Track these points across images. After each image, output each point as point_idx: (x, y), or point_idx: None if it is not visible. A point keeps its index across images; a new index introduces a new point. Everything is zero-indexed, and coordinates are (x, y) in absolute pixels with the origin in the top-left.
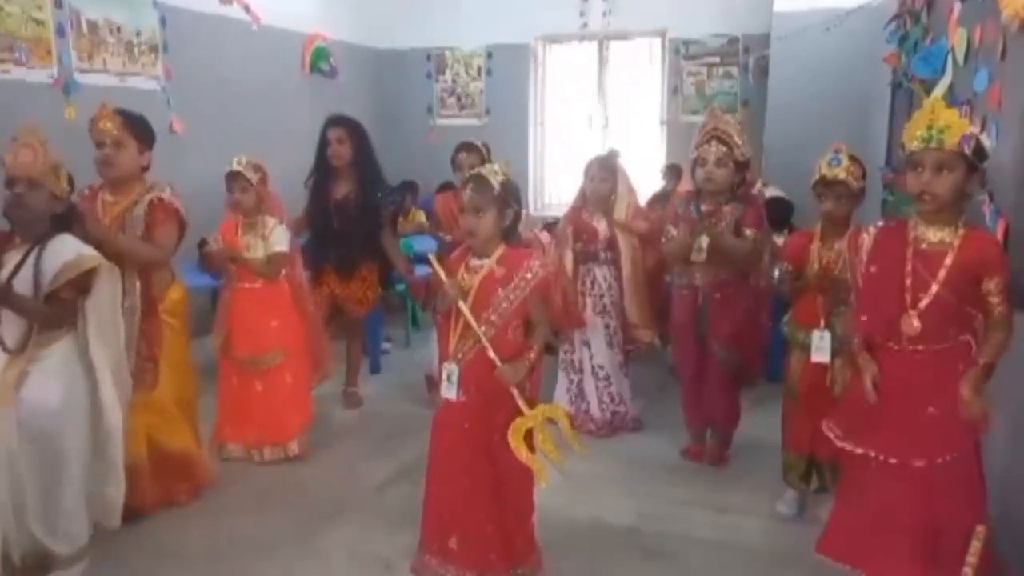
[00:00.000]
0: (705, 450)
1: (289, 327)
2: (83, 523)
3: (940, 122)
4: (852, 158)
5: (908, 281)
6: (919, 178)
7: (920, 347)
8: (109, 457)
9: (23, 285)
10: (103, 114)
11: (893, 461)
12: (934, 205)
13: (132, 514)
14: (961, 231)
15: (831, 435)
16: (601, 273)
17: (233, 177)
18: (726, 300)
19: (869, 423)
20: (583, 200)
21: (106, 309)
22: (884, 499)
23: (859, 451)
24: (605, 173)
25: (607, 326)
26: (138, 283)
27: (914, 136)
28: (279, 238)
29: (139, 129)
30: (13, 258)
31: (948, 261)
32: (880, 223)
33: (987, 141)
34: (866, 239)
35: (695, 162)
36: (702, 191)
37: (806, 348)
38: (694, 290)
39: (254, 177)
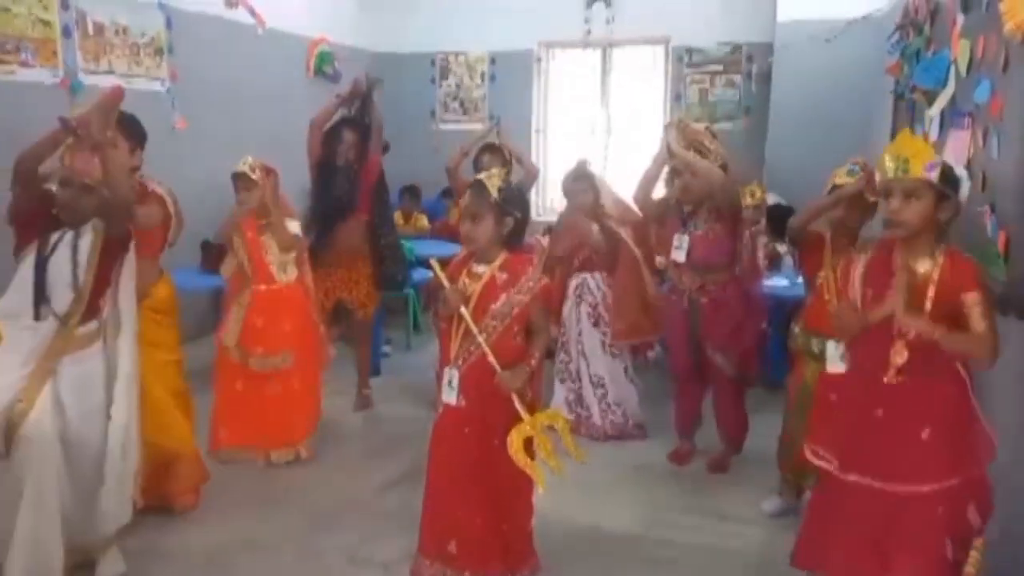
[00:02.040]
0: (709, 459)
1: (302, 329)
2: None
3: (906, 151)
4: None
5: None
6: (889, 206)
7: (908, 380)
8: (111, 459)
9: (61, 263)
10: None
11: (877, 485)
12: (904, 231)
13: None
14: (940, 259)
15: (819, 461)
16: (594, 282)
17: (237, 177)
18: (715, 304)
19: (856, 445)
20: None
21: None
22: (864, 520)
23: (848, 477)
24: (582, 184)
25: (604, 334)
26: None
27: (884, 166)
28: (293, 226)
29: (129, 129)
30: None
31: (931, 293)
32: (869, 250)
33: (960, 171)
34: (857, 268)
35: (672, 172)
36: (680, 200)
37: (820, 358)
38: (680, 295)
39: (259, 177)
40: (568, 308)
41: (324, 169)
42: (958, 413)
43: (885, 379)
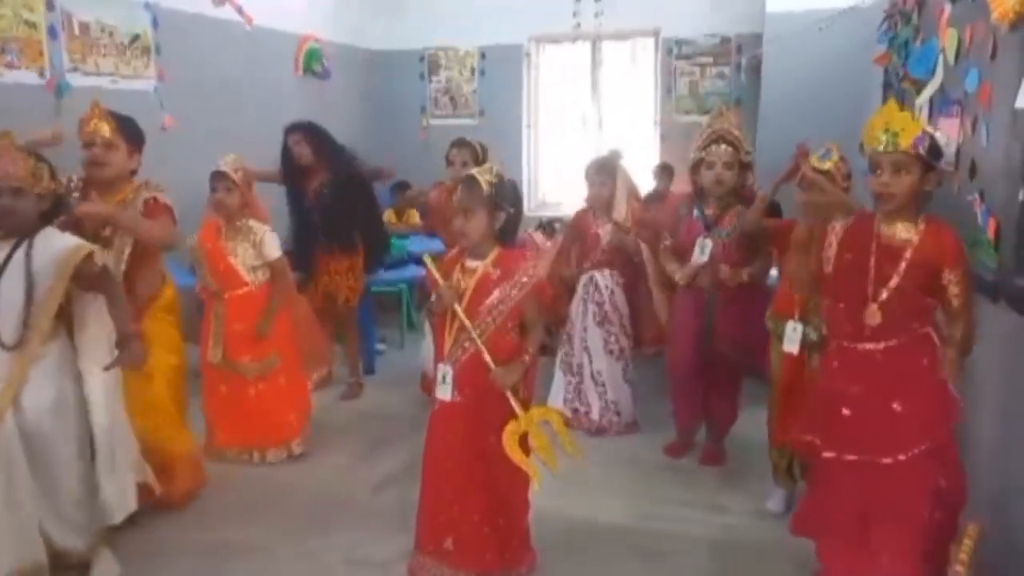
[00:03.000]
0: (702, 451)
1: (280, 328)
2: (93, 515)
3: (895, 125)
4: (842, 158)
5: (871, 274)
6: (878, 180)
7: (881, 344)
8: (101, 455)
9: (13, 284)
10: (95, 114)
11: (860, 458)
12: (893, 205)
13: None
14: (921, 226)
15: (799, 435)
16: (603, 280)
17: (217, 177)
18: (732, 300)
19: (835, 423)
20: (588, 204)
21: (98, 298)
22: (850, 491)
23: (828, 454)
24: (603, 177)
25: (608, 333)
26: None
27: (871, 138)
28: (272, 245)
29: (130, 131)
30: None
31: (908, 255)
32: (849, 221)
33: (941, 139)
34: (836, 232)
35: (700, 163)
36: (706, 194)
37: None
38: (699, 291)
39: (239, 178)
40: (575, 304)
41: (292, 180)
42: (930, 382)
43: (859, 346)
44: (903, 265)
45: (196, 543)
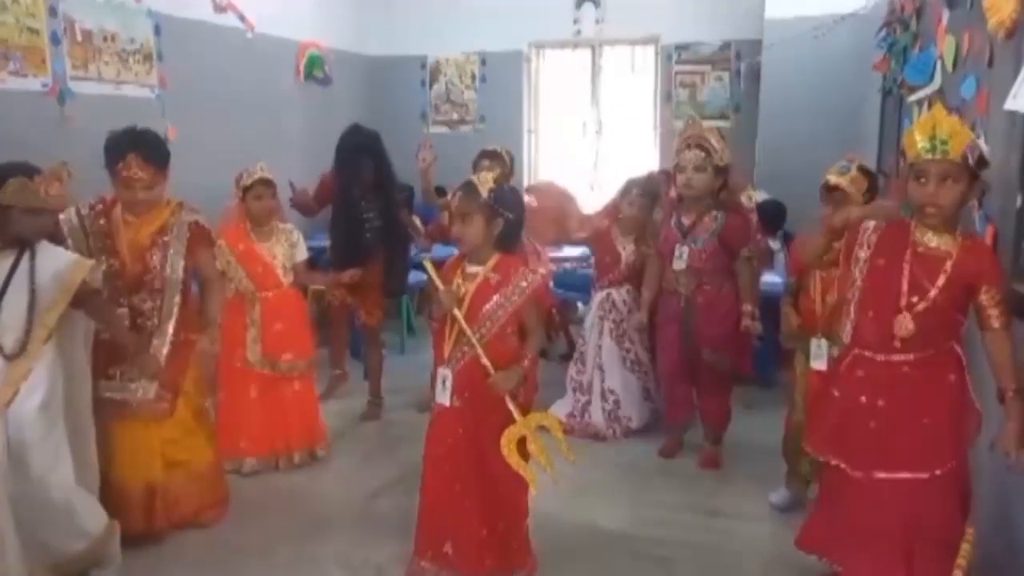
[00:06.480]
0: (700, 455)
1: (308, 331)
2: (87, 514)
3: (944, 131)
4: (862, 170)
5: (905, 284)
6: (923, 189)
7: (908, 356)
8: (80, 452)
9: (18, 295)
10: (134, 162)
11: (893, 476)
12: (939, 216)
13: (146, 540)
14: (960, 239)
15: (815, 452)
16: (620, 296)
17: (266, 184)
18: (708, 303)
19: (860, 438)
20: (613, 219)
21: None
22: (869, 507)
23: (856, 474)
24: (645, 200)
25: (627, 351)
26: (176, 310)
27: (917, 145)
28: (304, 247)
29: (164, 162)
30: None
31: (947, 267)
32: (882, 225)
33: (986, 148)
34: (870, 231)
35: (675, 169)
36: (684, 199)
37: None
38: (677, 295)
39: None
40: (590, 321)
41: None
42: (958, 397)
43: (885, 357)
44: (942, 278)
45: (195, 547)
